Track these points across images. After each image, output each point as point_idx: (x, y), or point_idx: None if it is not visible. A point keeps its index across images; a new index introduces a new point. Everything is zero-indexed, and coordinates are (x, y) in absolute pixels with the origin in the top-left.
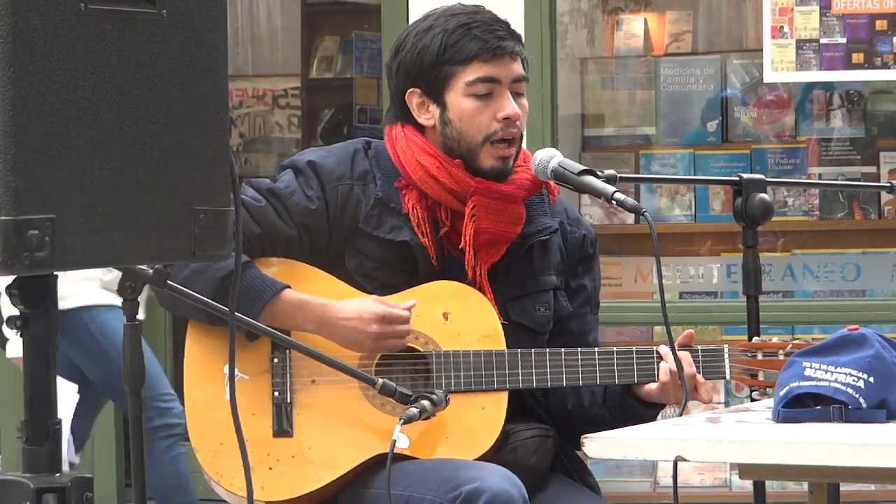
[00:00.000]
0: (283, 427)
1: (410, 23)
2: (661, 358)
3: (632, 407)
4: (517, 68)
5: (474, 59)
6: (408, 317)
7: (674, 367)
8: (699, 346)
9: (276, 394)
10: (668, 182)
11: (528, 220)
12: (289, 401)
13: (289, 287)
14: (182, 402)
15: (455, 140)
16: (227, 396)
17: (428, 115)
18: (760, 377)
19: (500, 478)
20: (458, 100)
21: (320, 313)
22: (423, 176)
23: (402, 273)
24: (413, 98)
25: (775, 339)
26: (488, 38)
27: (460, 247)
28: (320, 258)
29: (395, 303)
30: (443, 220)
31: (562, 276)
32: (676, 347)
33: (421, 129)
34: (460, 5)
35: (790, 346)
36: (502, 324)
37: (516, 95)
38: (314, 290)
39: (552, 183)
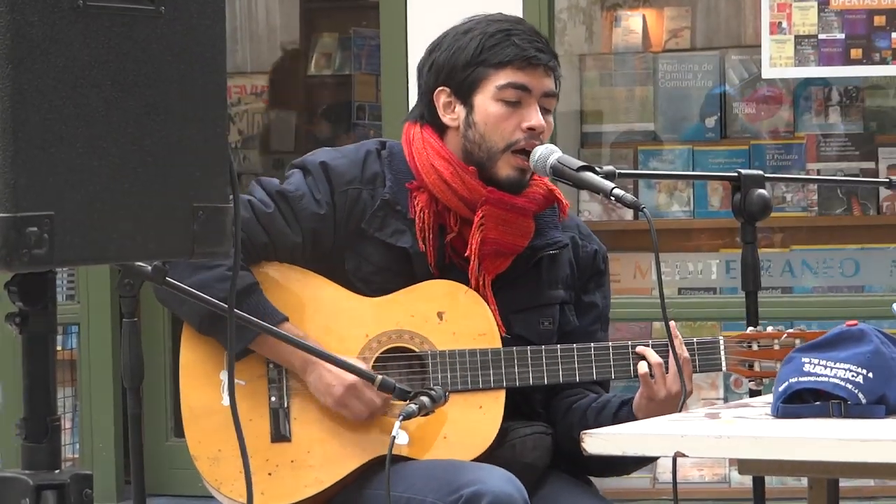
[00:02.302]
0: (280, 432)
1: (451, 26)
2: (642, 357)
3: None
4: (549, 83)
5: (509, 65)
6: (378, 405)
7: (654, 361)
8: (695, 339)
9: (273, 399)
10: (667, 178)
11: (538, 233)
12: (286, 405)
13: (286, 320)
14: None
15: (476, 144)
16: (225, 402)
17: (453, 116)
18: (757, 368)
19: (501, 480)
20: (487, 103)
21: (306, 356)
22: (435, 180)
23: (400, 279)
24: (441, 97)
25: (770, 329)
26: (526, 46)
27: (466, 255)
28: (322, 260)
29: (375, 395)
30: (451, 226)
31: (571, 290)
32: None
33: (442, 131)
34: (502, 14)
35: (785, 335)
36: (503, 337)
37: (544, 111)
38: (313, 297)
39: (564, 200)
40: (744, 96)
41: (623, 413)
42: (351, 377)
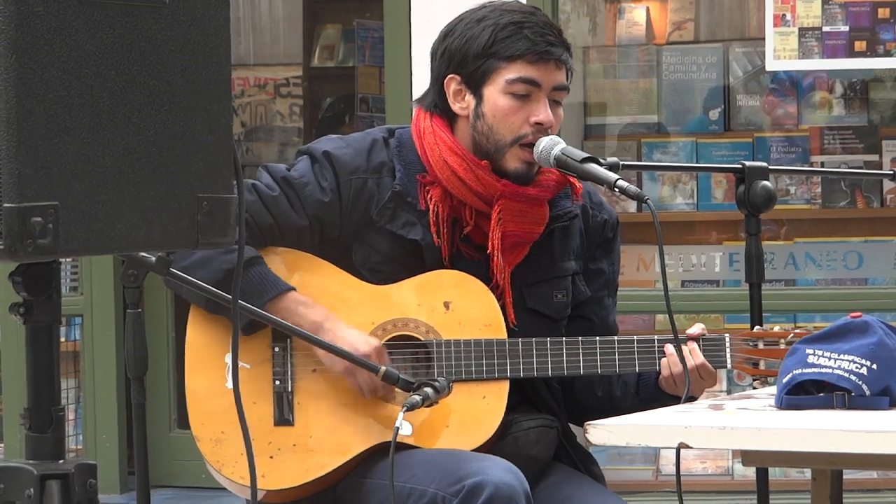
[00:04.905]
0: (284, 416)
1: (465, 10)
2: (663, 353)
3: (662, 399)
4: (560, 77)
5: (520, 59)
6: (378, 385)
7: (677, 368)
8: (700, 336)
9: (277, 382)
10: (671, 170)
11: (549, 205)
12: (290, 389)
13: (293, 290)
14: (183, 391)
15: (484, 135)
16: (229, 385)
17: (463, 105)
18: (762, 366)
19: (502, 471)
20: (496, 95)
21: (317, 319)
22: (449, 175)
23: (409, 270)
24: (451, 84)
25: (777, 328)
26: (538, 40)
27: (488, 252)
28: (329, 249)
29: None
30: (467, 220)
31: (581, 260)
32: (687, 337)
33: (451, 119)
34: (518, 3)
35: (792, 334)
36: (511, 329)
37: (553, 104)
38: (319, 283)
39: (577, 183)
40: (748, 89)
41: (646, 377)
42: (363, 347)
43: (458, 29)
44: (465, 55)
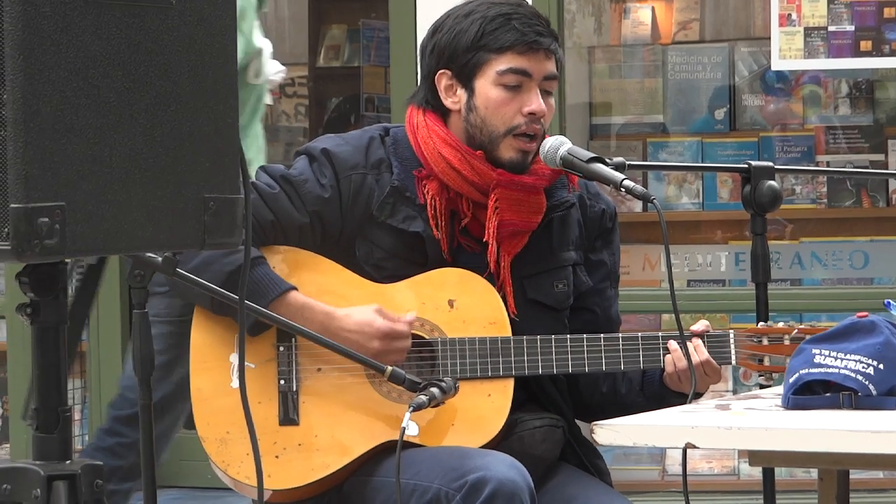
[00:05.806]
0: (289, 415)
1: (452, 7)
2: (667, 350)
3: (667, 396)
4: (550, 66)
5: (509, 50)
6: (408, 332)
7: (681, 364)
8: (705, 332)
9: (282, 382)
10: (677, 169)
11: (546, 195)
12: (295, 389)
13: (295, 289)
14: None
15: (478, 128)
16: (234, 385)
17: (454, 99)
18: (766, 362)
19: (505, 467)
20: (487, 87)
21: (322, 321)
22: (444, 168)
23: (412, 265)
24: (442, 79)
25: (781, 324)
26: (527, 31)
27: (484, 240)
28: (332, 246)
29: (397, 316)
30: (464, 212)
31: (580, 250)
32: (691, 333)
33: (444, 114)
34: None
35: (796, 331)
36: (514, 320)
37: (545, 93)
38: (322, 281)
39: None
40: (753, 88)
41: (650, 374)
42: (372, 328)
43: (446, 24)
44: (454, 49)
